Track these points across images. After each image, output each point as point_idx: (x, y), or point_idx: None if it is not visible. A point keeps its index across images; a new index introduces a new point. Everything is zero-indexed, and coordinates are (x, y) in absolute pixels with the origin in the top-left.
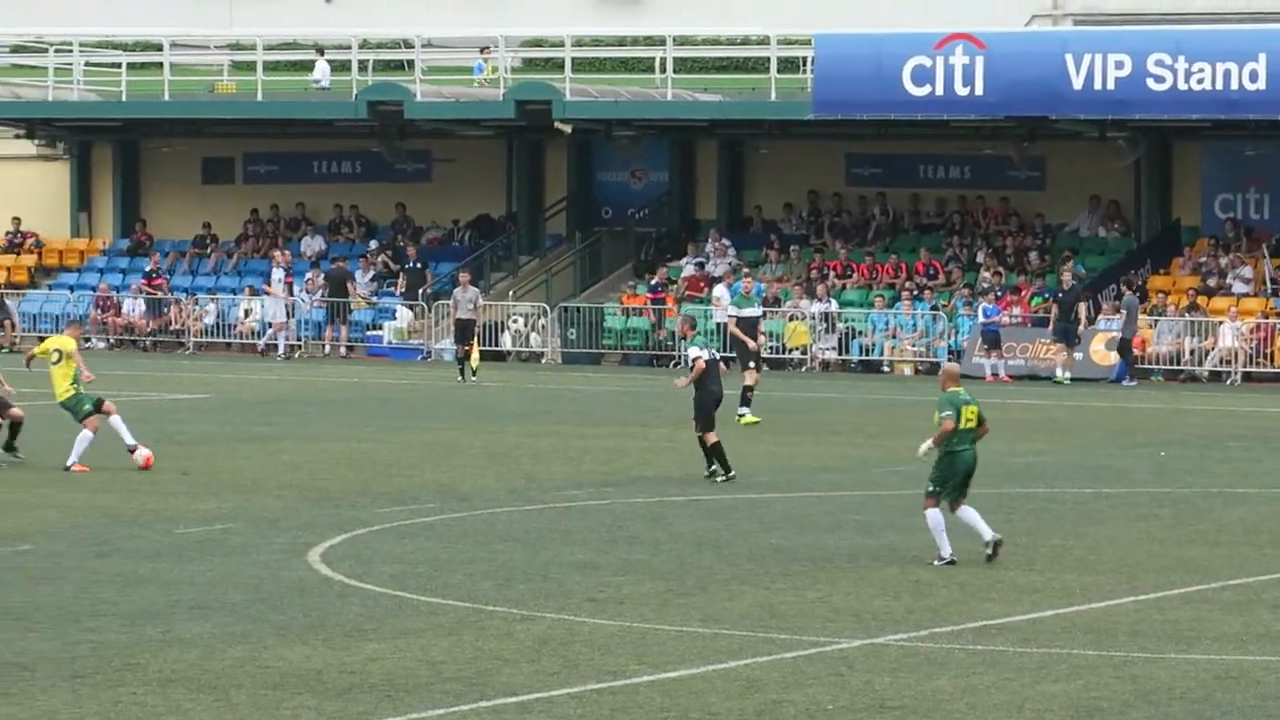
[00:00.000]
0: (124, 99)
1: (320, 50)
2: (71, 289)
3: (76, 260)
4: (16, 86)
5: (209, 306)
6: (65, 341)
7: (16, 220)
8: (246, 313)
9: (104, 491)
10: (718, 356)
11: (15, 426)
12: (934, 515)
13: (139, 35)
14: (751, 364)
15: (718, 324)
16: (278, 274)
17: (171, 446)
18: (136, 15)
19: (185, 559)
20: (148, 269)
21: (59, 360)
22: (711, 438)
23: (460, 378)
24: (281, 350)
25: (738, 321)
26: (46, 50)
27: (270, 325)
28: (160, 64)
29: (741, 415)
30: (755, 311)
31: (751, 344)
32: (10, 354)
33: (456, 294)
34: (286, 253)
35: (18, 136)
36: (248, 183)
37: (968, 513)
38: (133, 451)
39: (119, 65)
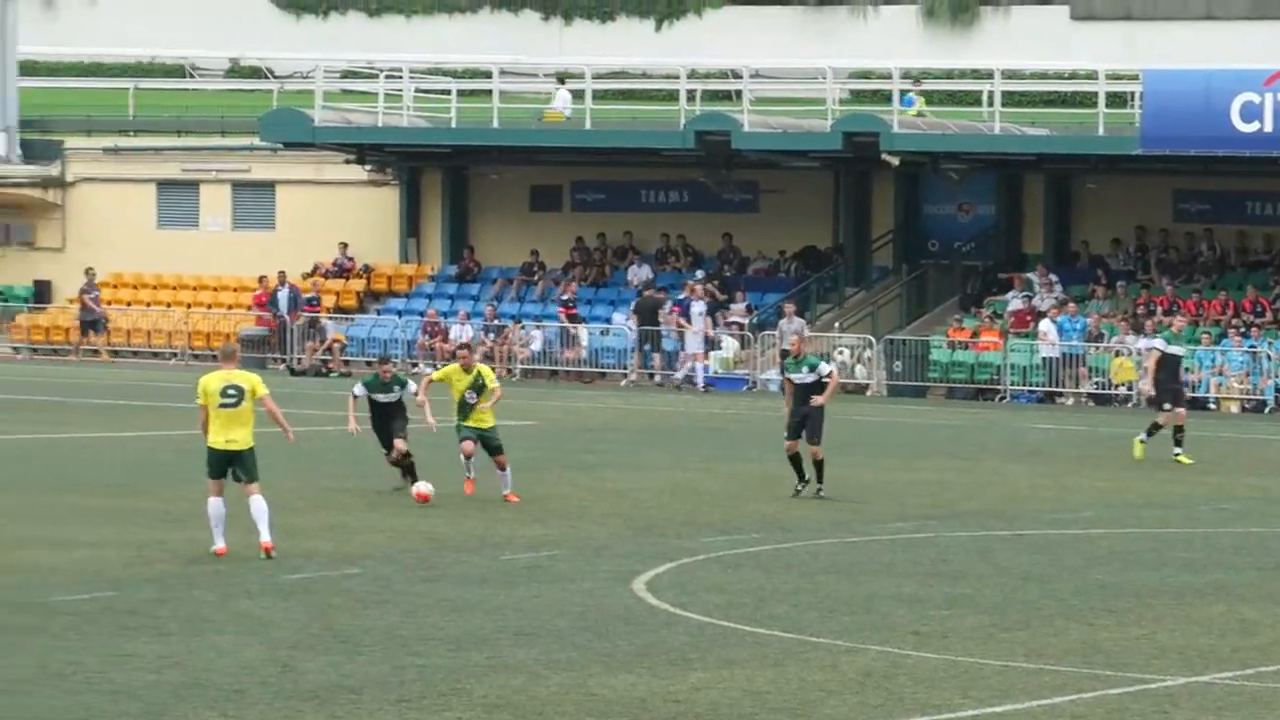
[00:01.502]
0: (453, 125)
1: (561, 79)
2: (399, 314)
3: (405, 286)
4: (347, 112)
5: (534, 333)
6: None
7: (344, 245)
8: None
9: (430, 516)
10: None
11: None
12: None
13: (469, 62)
14: (1168, 404)
15: (1044, 358)
16: (698, 306)
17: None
18: (467, 43)
19: (511, 585)
20: (564, 297)
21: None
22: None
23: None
24: (700, 383)
25: (1163, 358)
26: (377, 76)
27: (682, 356)
28: (490, 91)
29: (1178, 455)
30: (1180, 351)
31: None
32: (340, 377)
33: (781, 325)
34: (698, 285)
35: (348, 162)
36: (575, 210)
37: None
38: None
39: (449, 92)
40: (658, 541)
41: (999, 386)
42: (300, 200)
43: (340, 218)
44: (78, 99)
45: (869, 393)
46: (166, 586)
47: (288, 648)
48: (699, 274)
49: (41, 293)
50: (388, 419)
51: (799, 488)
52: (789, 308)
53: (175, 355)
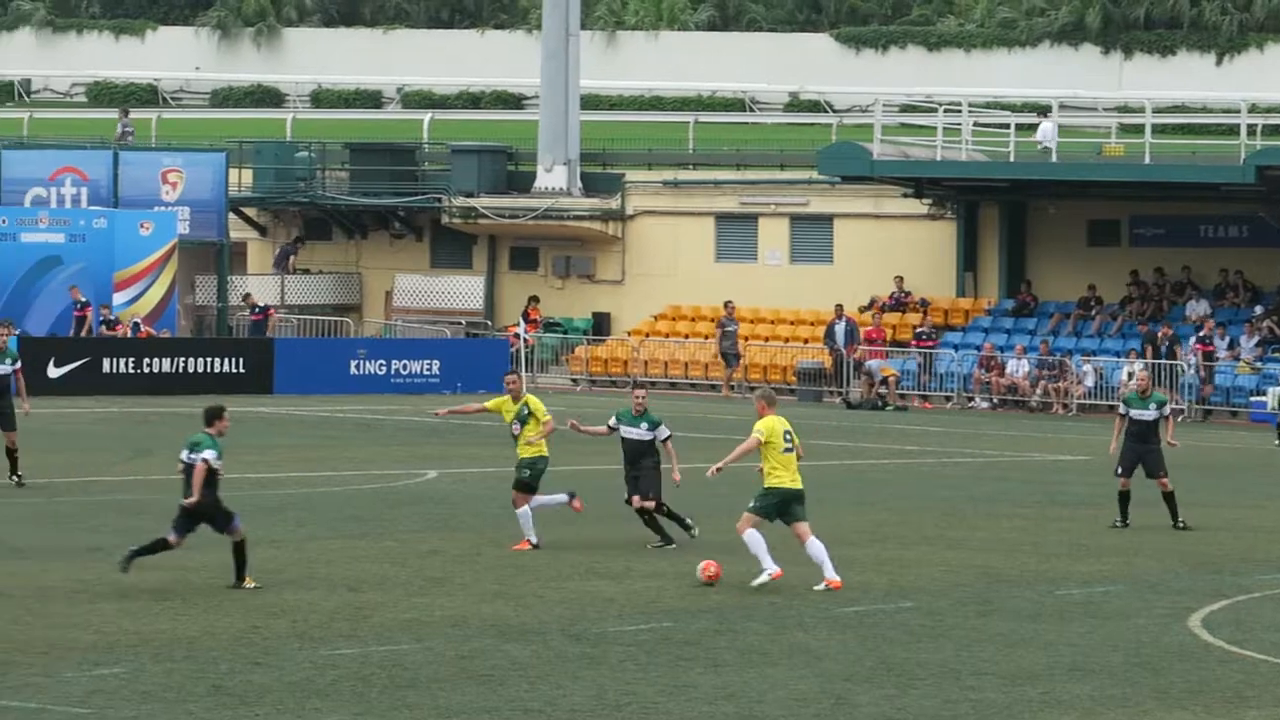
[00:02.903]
0: (1011, 160)
1: (1044, 112)
2: (955, 349)
3: (961, 320)
4: (905, 146)
5: (1085, 369)
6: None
7: (900, 279)
8: (1130, 375)
9: (985, 550)
10: None
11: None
12: None
13: (1027, 96)
14: None
15: None
16: None
17: (1051, 508)
18: (1025, 77)
19: (1065, 620)
20: (1203, 334)
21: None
22: None
23: None
24: None
25: None
26: (936, 110)
27: None
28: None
29: None
30: None
31: None
32: (895, 411)
33: None
34: None
35: (905, 195)
36: (1133, 245)
37: None
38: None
39: (1007, 126)
40: (1213, 578)
41: None
42: (858, 234)
43: (897, 251)
44: (638, 132)
45: None
46: (722, 618)
47: (841, 680)
48: (1257, 310)
49: (600, 325)
50: (635, 458)
51: (1119, 524)
52: None
53: (733, 387)
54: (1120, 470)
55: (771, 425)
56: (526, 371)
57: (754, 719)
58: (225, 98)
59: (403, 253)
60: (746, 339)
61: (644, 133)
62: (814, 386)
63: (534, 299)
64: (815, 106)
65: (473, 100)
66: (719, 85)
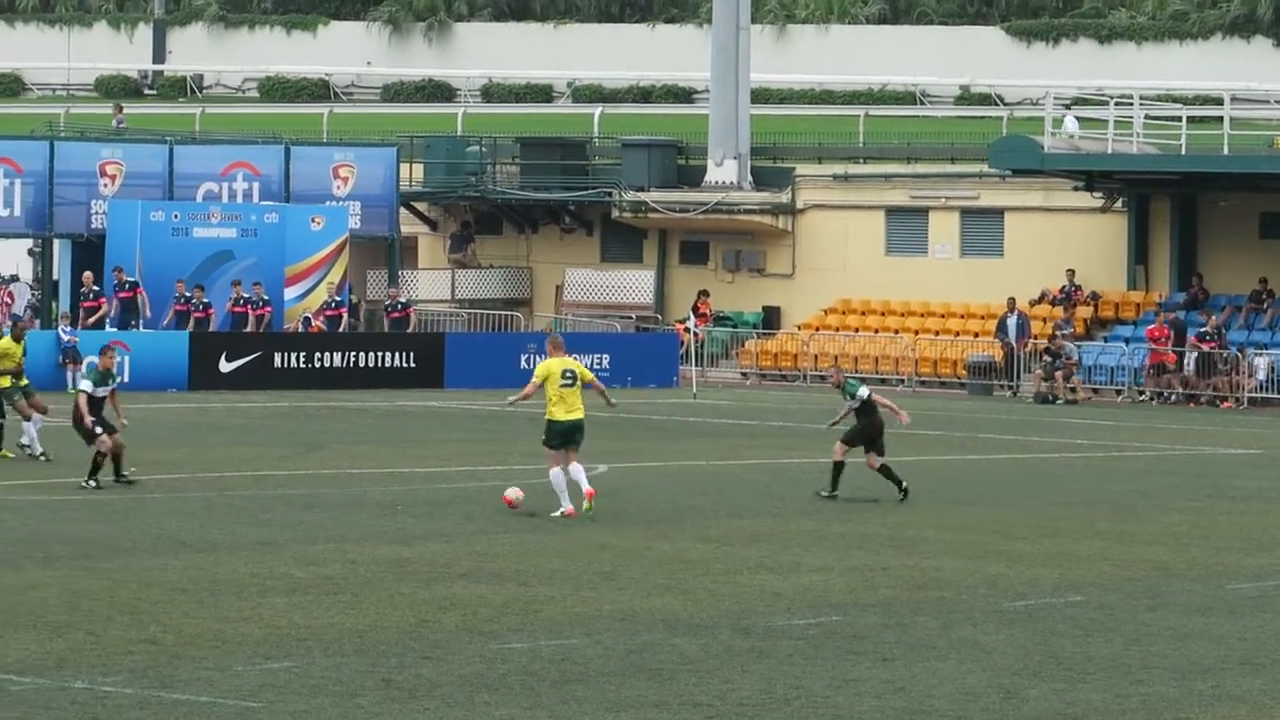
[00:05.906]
0: (1183, 152)
1: (1068, 105)
2: (1126, 342)
3: (1132, 313)
4: (1076, 139)
5: (1258, 362)
6: None
7: (1071, 272)
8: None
9: (1156, 544)
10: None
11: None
12: None
13: (1199, 89)
14: None
15: None
16: None
17: (1221, 502)
18: (1198, 69)
19: (1236, 614)
20: None
21: None
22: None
23: None
24: None
25: None
26: (1107, 103)
27: None
28: (1220, 118)
29: None
30: None
31: None
32: (1065, 404)
33: None
34: None
35: (1076, 189)
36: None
37: None
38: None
39: (1179, 119)
40: None
41: None
42: (1028, 227)
43: (1068, 245)
44: (808, 126)
45: None
46: (890, 612)
47: (1010, 674)
48: None
49: (770, 319)
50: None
51: (828, 493)
52: None
53: (903, 382)
54: (843, 440)
55: (549, 366)
56: (696, 365)
57: (923, 713)
58: (396, 93)
59: (573, 247)
60: (917, 333)
61: (814, 126)
62: (984, 380)
63: (704, 293)
64: (986, 99)
65: (643, 94)
66: (889, 78)
